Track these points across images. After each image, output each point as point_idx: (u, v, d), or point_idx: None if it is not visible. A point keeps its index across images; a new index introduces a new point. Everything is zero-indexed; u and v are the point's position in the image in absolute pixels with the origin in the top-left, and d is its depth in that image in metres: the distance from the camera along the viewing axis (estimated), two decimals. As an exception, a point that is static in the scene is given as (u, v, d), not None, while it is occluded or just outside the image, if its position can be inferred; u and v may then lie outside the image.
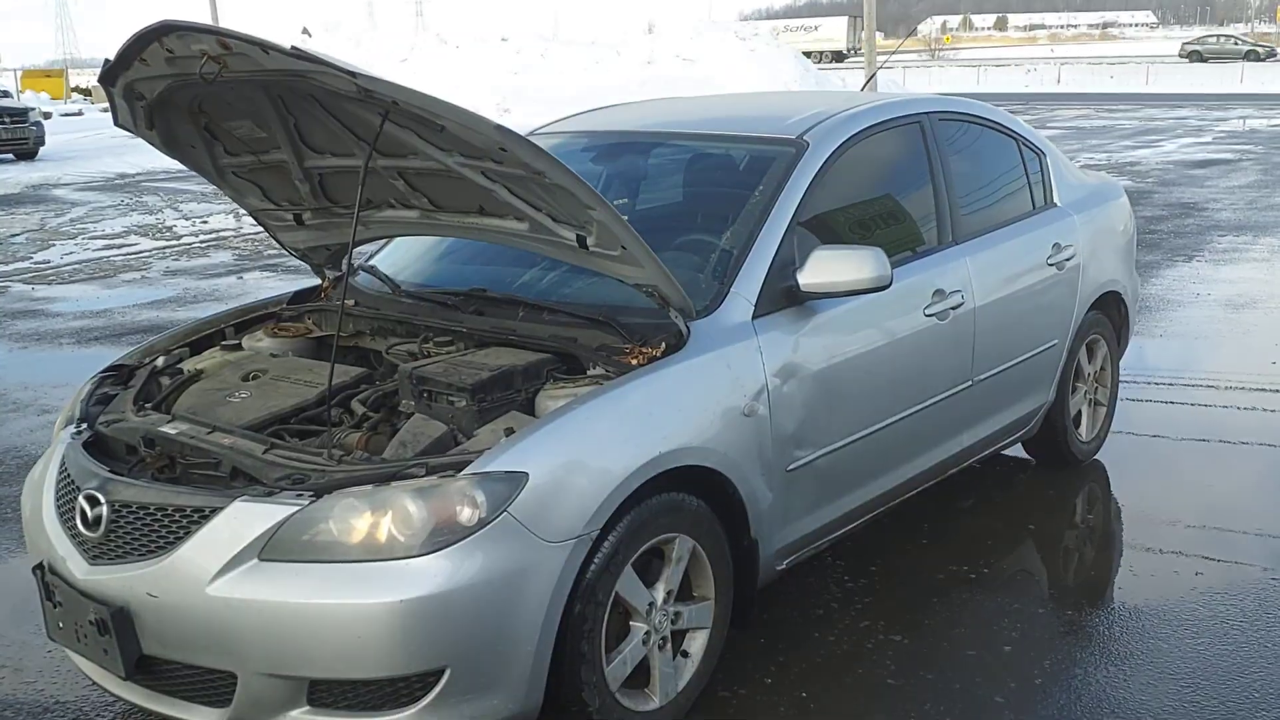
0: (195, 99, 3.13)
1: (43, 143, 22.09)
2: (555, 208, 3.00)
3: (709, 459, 3.02)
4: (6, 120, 21.60)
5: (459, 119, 2.65)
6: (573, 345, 3.13)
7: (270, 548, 2.57)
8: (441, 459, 2.68)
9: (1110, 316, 5.01)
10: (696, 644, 3.12)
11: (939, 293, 3.88)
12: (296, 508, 2.59)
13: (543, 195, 2.96)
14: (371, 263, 4.01)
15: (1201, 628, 3.56)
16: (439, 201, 3.33)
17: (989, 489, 4.70)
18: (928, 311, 3.81)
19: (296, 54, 2.56)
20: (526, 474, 2.62)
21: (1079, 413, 4.91)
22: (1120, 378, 5.23)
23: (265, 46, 2.59)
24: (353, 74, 2.55)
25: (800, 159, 3.64)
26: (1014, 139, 4.67)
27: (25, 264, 11.06)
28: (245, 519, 2.60)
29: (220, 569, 2.58)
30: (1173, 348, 6.85)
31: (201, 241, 12.07)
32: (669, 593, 3.00)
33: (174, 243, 12.04)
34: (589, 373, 3.08)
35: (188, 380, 3.41)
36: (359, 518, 2.57)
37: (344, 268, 3.78)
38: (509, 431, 2.77)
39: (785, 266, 3.37)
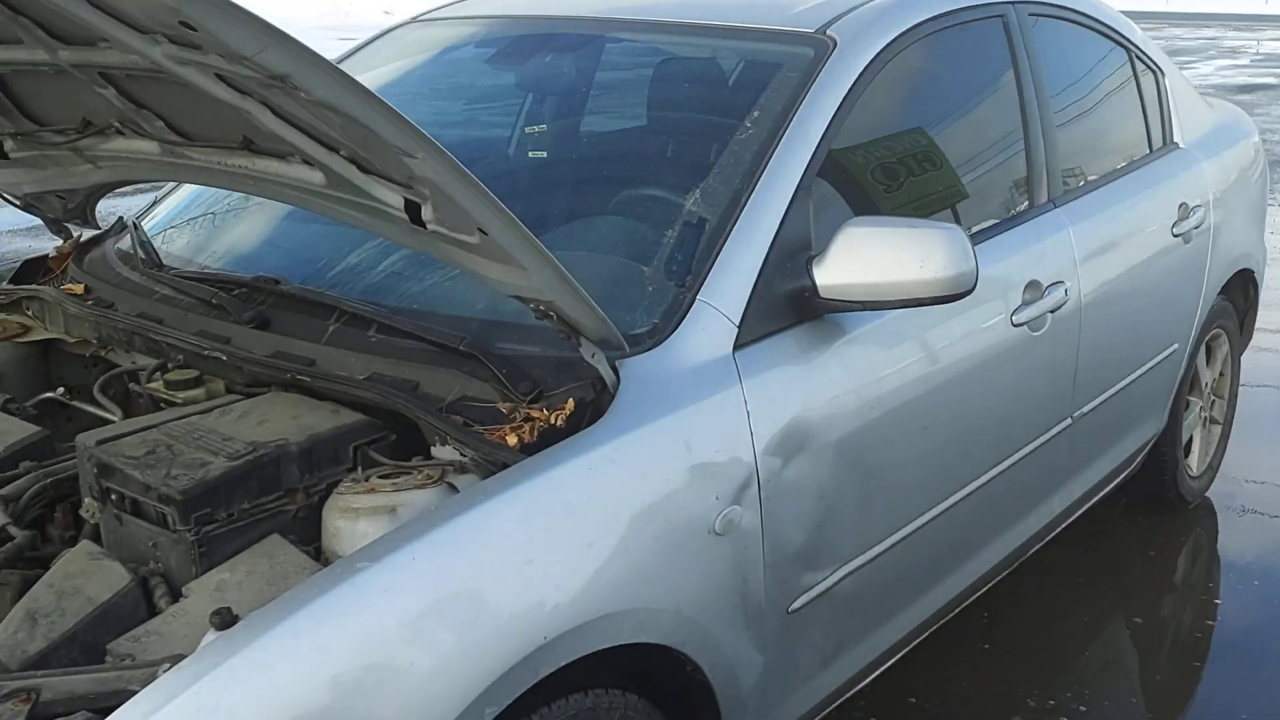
0: None
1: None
2: (360, 148, 1.56)
3: (647, 630, 1.62)
4: None
5: None
6: (407, 399, 1.71)
7: None
8: (60, 686, 1.28)
9: (1235, 302, 3.60)
10: None
11: (1033, 286, 2.46)
12: None
13: (336, 123, 1.52)
14: (148, 219, 2.56)
15: None
16: (181, 127, 1.87)
17: (1066, 553, 3.30)
18: (1017, 319, 2.40)
19: None
20: None
21: (1190, 439, 3.52)
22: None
23: None
24: None
25: (821, 68, 2.18)
26: (1126, 49, 3.20)
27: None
28: None
29: None
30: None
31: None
32: None
33: None
34: (433, 456, 1.67)
35: None
36: None
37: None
38: (220, 620, 1.33)
39: (794, 253, 1.95)
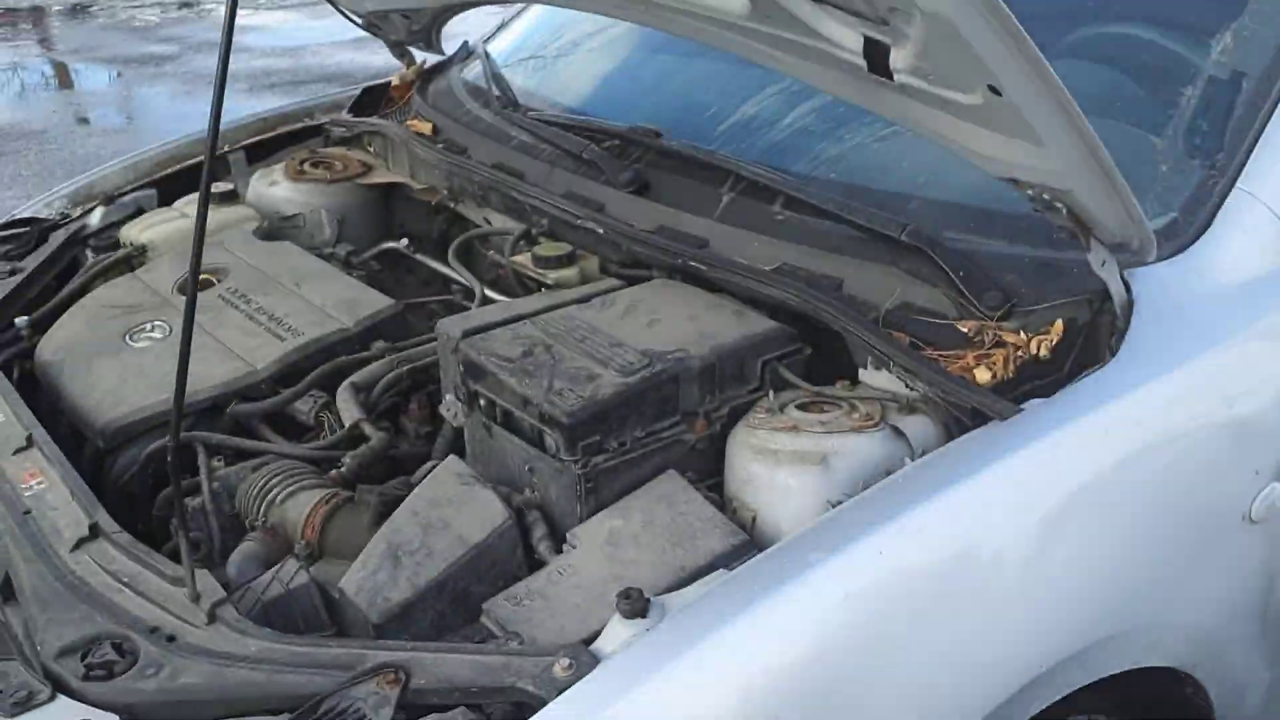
0: None
1: None
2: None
3: (1157, 651, 1.20)
4: None
5: None
6: (832, 304, 1.32)
7: None
8: (434, 668, 1.00)
9: None
10: None
11: None
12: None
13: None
14: (495, 45, 2.23)
15: None
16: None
17: None
18: None
19: None
20: None
21: None
22: None
23: None
24: None
25: None
26: None
27: (249, -15, 9.68)
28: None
29: None
30: None
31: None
32: None
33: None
34: (861, 382, 1.28)
35: (110, 268, 1.84)
36: None
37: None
38: (630, 607, 1.01)
39: (1367, 126, 1.39)
